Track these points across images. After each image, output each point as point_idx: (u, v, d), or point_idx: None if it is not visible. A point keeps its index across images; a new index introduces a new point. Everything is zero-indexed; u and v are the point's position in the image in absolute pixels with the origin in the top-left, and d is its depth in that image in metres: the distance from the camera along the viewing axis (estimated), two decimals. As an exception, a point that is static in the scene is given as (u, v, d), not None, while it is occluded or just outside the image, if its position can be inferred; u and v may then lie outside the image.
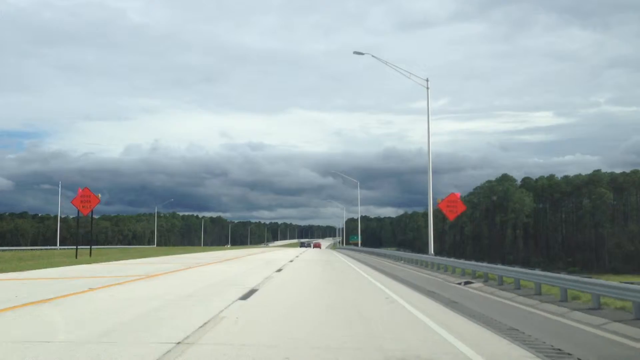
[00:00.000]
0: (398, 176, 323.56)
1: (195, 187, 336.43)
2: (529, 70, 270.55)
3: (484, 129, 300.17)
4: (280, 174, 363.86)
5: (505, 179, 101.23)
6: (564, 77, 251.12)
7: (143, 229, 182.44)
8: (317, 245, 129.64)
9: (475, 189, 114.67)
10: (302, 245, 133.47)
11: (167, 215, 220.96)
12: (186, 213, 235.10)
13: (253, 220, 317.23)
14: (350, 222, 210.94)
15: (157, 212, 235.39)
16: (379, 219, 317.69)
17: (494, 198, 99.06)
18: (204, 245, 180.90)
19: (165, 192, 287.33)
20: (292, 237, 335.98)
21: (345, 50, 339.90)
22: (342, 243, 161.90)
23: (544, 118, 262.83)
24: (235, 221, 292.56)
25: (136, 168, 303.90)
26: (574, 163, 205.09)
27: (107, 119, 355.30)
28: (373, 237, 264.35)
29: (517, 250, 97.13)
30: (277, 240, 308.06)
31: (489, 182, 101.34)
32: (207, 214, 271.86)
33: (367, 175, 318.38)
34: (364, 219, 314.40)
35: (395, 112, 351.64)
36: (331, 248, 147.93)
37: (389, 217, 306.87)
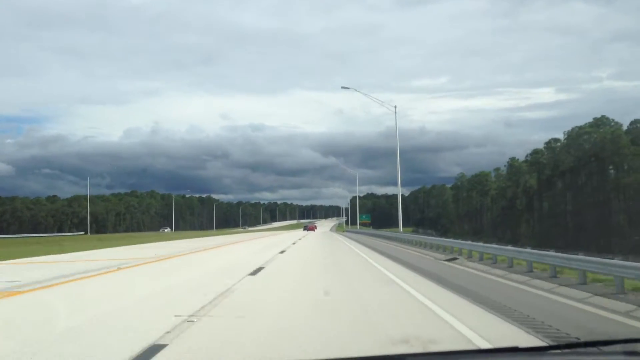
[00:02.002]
0: (400, 155, 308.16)
1: (196, 169, 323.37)
2: (530, 46, 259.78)
3: (486, 106, 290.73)
4: (282, 155, 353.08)
5: (602, 122, 65.13)
6: (566, 52, 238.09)
7: (106, 210, 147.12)
8: (312, 229, 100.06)
9: (549, 142, 77.22)
10: (305, 228, 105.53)
11: (143, 194, 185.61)
12: (166, 192, 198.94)
13: (253, 202, 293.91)
14: (356, 200, 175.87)
15: (131, 190, 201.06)
16: (387, 197, 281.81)
17: (585, 150, 63.22)
18: (176, 229, 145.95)
19: (166, 174, 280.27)
20: (292, 218, 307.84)
21: (345, 29, 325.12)
22: (356, 224, 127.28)
23: (546, 94, 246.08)
24: (233, 202, 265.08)
25: (136, 151, 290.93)
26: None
27: (106, 103, 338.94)
28: (382, 216, 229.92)
29: (624, 234, 61.84)
30: (276, 221, 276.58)
31: (579, 128, 65.46)
32: (197, 194, 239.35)
33: (368, 155, 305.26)
34: (371, 196, 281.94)
35: (397, 90, 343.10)
36: (337, 231, 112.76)
37: (396, 195, 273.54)
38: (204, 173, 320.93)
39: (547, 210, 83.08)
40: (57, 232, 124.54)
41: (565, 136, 72.03)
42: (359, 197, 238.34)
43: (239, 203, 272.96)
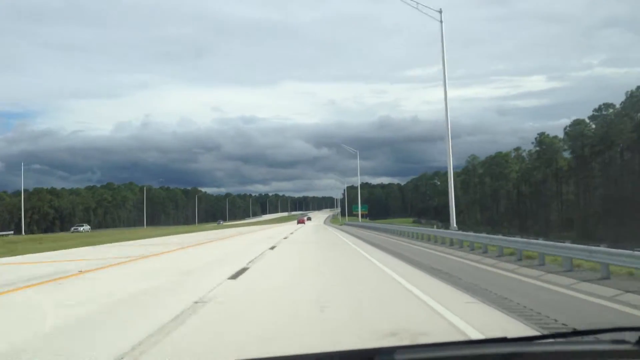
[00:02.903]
0: (393, 145, 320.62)
1: (188, 162, 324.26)
2: (523, 34, 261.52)
3: (479, 95, 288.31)
4: (274, 147, 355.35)
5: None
6: (558, 39, 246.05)
7: (72, 205, 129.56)
8: (302, 222, 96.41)
9: (599, 108, 59.74)
10: (299, 221, 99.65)
11: (120, 186, 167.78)
12: (146, 184, 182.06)
13: (244, 194, 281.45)
14: (350, 190, 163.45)
15: (107, 183, 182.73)
16: (383, 186, 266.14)
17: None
18: (156, 225, 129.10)
19: (157, 168, 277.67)
20: (284, 210, 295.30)
21: (338, 19, 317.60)
22: (352, 215, 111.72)
23: (538, 82, 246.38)
24: (221, 194, 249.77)
25: (127, 145, 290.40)
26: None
27: (96, 97, 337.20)
28: (379, 206, 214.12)
29: None
30: (267, 213, 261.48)
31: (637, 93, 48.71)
32: (182, 187, 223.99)
33: (361, 146, 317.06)
34: (366, 185, 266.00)
35: (390, 80, 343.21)
36: (333, 223, 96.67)
37: (397, 184, 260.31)
38: (195, 166, 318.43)
39: (591, 194, 66.89)
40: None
41: (627, 96, 55.08)
42: (354, 187, 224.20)
43: (227, 195, 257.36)
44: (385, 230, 37.79)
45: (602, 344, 1.25)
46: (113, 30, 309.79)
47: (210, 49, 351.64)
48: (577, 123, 64.57)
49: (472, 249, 17.37)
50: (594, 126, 61.75)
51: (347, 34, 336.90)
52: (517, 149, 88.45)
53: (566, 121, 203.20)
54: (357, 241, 27.63)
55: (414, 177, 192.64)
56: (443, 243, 21.43)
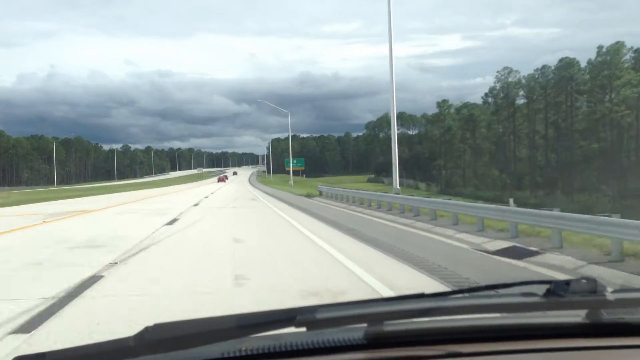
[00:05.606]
0: (314, 102, 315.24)
1: (101, 117, 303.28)
2: None
3: (398, 52, 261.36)
4: (192, 102, 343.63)
5: None
6: None
7: None
8: (222, 180, 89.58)
9: None
10: (220, 180, 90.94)
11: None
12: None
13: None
14: (277, 143, 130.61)
15: None
16: (317, 138, 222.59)
17: None
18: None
19: (67, 123, 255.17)
20: (200, 166, 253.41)
21: None
22: (278, 172, 71.14)
23: (453, 41, 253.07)
24: (117, 148, 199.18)
25: (32, 98, 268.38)
26: (485, 85, 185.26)
27: None
28: (314, 161, 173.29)
29: None
30: (177, 170, 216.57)
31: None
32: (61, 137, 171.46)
33: (282, 102, 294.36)
34: (296, 138, 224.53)
35: (309, 36, 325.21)
36: (261, 182, 55.46)
37: (332, 135, 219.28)
38: (109, 121, 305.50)
39: None
40: None
41: None
42: (279, 139, 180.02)
43: (126, 148, 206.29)
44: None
45: (513, 297, 1.31)
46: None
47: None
48: None
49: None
50: None
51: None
52: (619, 43, 46.37)
53: (481, 80, 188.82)
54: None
55: (382, 115, 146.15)
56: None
